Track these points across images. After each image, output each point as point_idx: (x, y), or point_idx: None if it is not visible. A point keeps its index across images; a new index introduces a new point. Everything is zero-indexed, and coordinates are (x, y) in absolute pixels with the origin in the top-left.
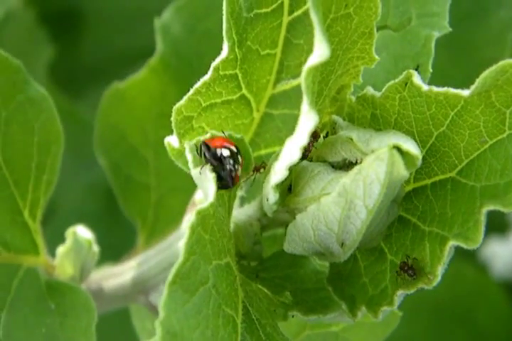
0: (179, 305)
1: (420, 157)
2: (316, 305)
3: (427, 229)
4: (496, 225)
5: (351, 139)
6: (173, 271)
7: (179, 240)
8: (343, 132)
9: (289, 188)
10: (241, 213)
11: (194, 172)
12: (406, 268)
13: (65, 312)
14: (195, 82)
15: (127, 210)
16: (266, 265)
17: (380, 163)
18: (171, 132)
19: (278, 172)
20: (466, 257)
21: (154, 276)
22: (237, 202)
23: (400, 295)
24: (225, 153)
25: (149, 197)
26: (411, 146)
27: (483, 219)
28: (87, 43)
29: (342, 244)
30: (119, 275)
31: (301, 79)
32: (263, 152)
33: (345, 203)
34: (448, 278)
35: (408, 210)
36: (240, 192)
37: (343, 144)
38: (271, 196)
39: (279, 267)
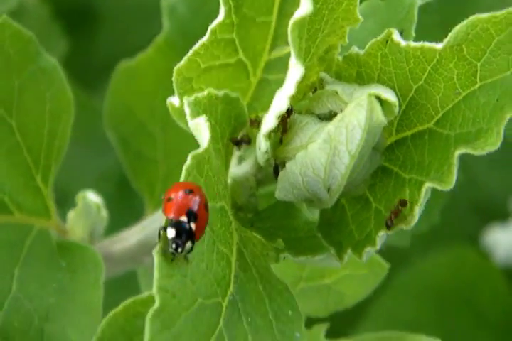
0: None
1: (397, 104)
2: (306, 250)
3: (407, 177)
4: (497, 213)
5: (336, 92)
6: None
7: None
8: (330, 86)
9: (280, 141)
10: (238, 170)
11: (191, 123)
12: (393, 215)
13: (75, 268)
14: None
15: (136, 184)
16: (261, 216)
17: (360, 109)
18: None
19: (268, 121)
20: (469, 244)
21: None
22: (235, 161)
23: (381, 236)
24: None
25: (157, 172)
26: (389, 95)
27: (455, 162)
28: (100, 38)
29: (328, 189)
30: (127, 239)
31: (288, 34)
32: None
33: (329, 149)
34: (452, 263)
35: (390, 161)
36: (237, 152)
37: (329, 97)
38: (262, 144)
39: (273, 218)
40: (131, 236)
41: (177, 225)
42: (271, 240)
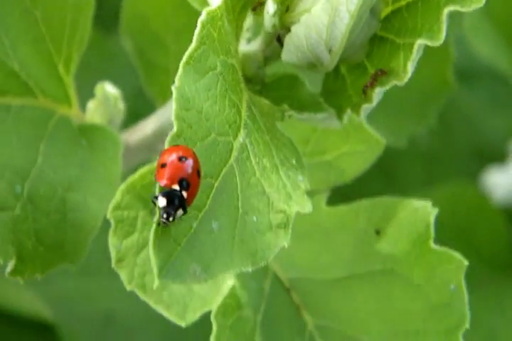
0: (192, 81)
1: None
2: (309, 109)
3: (401, 42)
4: (496, 156)
5: None
6: (186, 54)
7: None
8: None
9: (286, 10)
10: (247, 47)
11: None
12: (380, 72)
13: (95, 146)
14: None
15: (150, 90)
16: (268, 88)
17: None
18: (188, 20)
19: None
20: (468, 184)
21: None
22: (243, 41)
23: (377, 92)
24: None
25: (169, 79)
26: None
27: (444, 19)
28: None
29: (330, 50)
30: (142, 129)
31: None
32: None
33: (331, 10)
34: (450, 199)
35: (387, 29)
36: (246, 34)
37: None
38: (270, 7)
39: (279, 89)
40: (147, 127)
41: (169, 194)
42: (277, 104)
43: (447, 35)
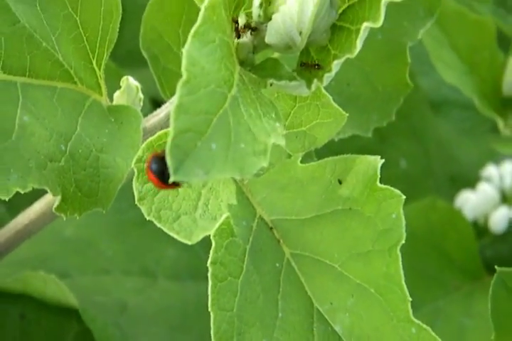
0: (196, 48)
1: None
2: (286, 79)
3: (354, 28)
4: (468, 181)
5: None
6: (192, 29)
7: None
8: None
9: (268, 3)
10: (241, 39)
11: None
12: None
13: (121, 120)
14: None
15: (163, 93)
16: (256, 68)
17: None
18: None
19: None
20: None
21: None
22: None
23: (335, 64)
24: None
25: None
26: None
27: (382, 6)
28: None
29: (300, 32)
30: (157, 115)
31: None
32: None
33: (301, 1)
34: (423, 209)
35: (344, 20)
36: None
37: None
38: (256, 1)
39: (265, 69)
40: (161, 113)
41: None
42: (263, 78)
43: (404, 44)
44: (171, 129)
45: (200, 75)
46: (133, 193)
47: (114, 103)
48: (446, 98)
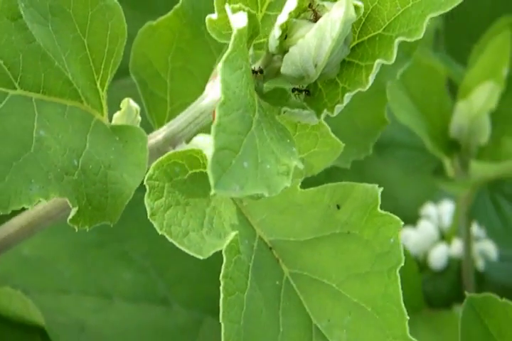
0: (228, 73)
1: (362, 7)
2: (298, 108)
3: (363, 64)
4: (408, 219)
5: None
6: (224, 55)
7: (202, 101)
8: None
9: (285, 37)
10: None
11: (232, 18)
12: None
13: (126, 139)
14: (204, 28)
15: (149, 116)
16: (265, 97)
17: (340, 8)
18: (184, 62)
19: (282, 16)
20: None
21: (182, 130)
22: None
23: (347, 96)
24: None
25: (165, 109)
26: (358, 2)
27: (395, 46)
28: None
29: (315, 65)
30: (154, 137)
31: None
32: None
33: (319, 36)
34: None
35: (353, 56)
36: (251, 52)
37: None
38: (276, 32)
39: (273, 97)
40: (159, 134)
41: None
42: (274, 105)
43: (384, 83)
44: (210, 146)
45: (233, 99)
46: None
47: (113, 123)
48: (393, 138)
